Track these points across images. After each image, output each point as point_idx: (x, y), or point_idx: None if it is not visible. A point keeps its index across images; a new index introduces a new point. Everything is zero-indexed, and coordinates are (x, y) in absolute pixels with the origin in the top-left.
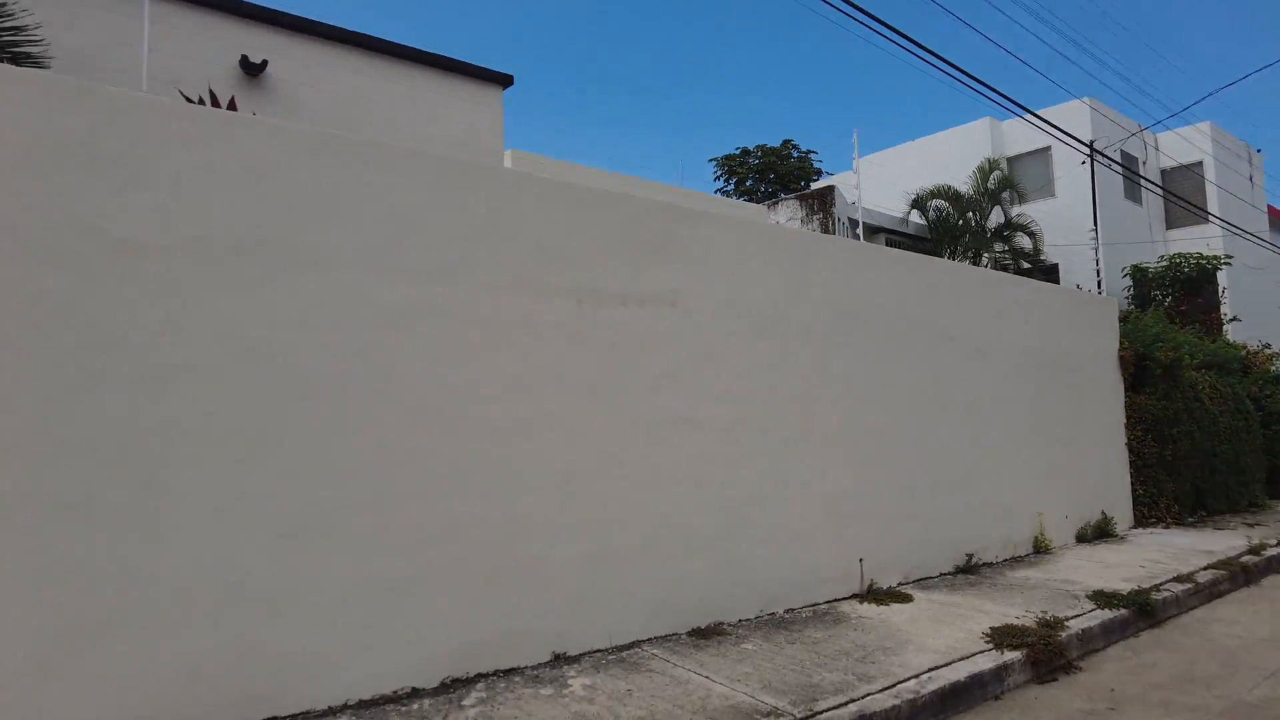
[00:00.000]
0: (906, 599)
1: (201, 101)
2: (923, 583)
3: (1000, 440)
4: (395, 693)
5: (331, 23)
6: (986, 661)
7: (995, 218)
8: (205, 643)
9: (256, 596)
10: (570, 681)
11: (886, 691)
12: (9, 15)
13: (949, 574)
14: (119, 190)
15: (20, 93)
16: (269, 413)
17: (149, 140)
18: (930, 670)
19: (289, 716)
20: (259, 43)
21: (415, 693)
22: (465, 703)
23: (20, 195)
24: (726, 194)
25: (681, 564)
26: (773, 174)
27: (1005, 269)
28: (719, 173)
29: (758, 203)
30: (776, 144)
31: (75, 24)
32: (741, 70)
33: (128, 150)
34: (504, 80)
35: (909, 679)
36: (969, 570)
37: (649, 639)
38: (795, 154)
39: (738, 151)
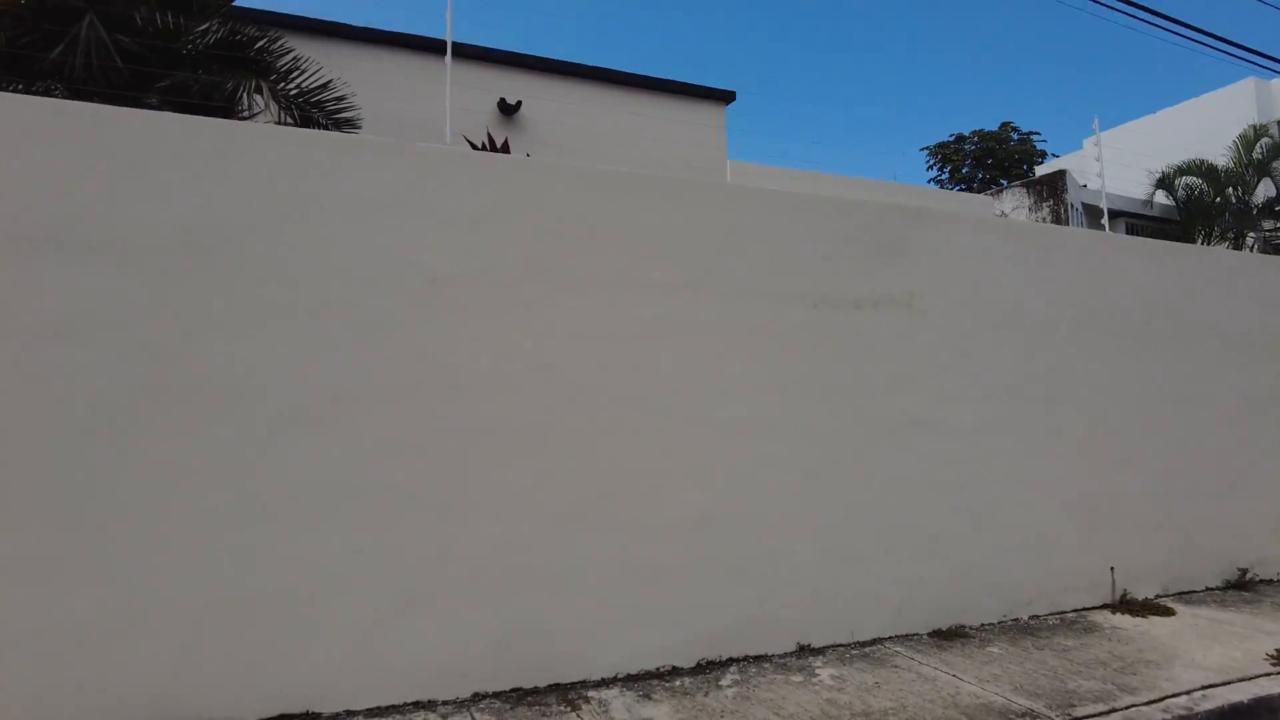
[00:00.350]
0: (1167, 612)
1: (483, 146)
2: (1185, 596)
3: (1278, 444)
4: (658, 669)
5: (569, 60)
6: (1275, 686)
7: (1263, 191)
8: (501, 614)
9: (539, 575)
10: (818, 671)
11: (1154, 705)
12: (333, 89)
13: (1217, 589)
14: (431, 230)
15: (350, 155)
16: (546, 414)
17: (451, 185)
18: (1204, 688)
19: (570, 684)
20: (511, 86)
21: (675, 671)
22: (722, 683)
23: (354, 238)
24: (940, 184)
25: (921, 565)
26: (990, 159)
27: (1278, 250)
28: (932, 162)
29: (975, 191)
30: (993, 128)
31: (373, 88)
32: (953, 55)
33: (436, 197)
34: (726, 97)
35: (1179, 694)
36: (1242, 586)
37: (890, 637)
38: (1015, 136)
39: (951, 139)
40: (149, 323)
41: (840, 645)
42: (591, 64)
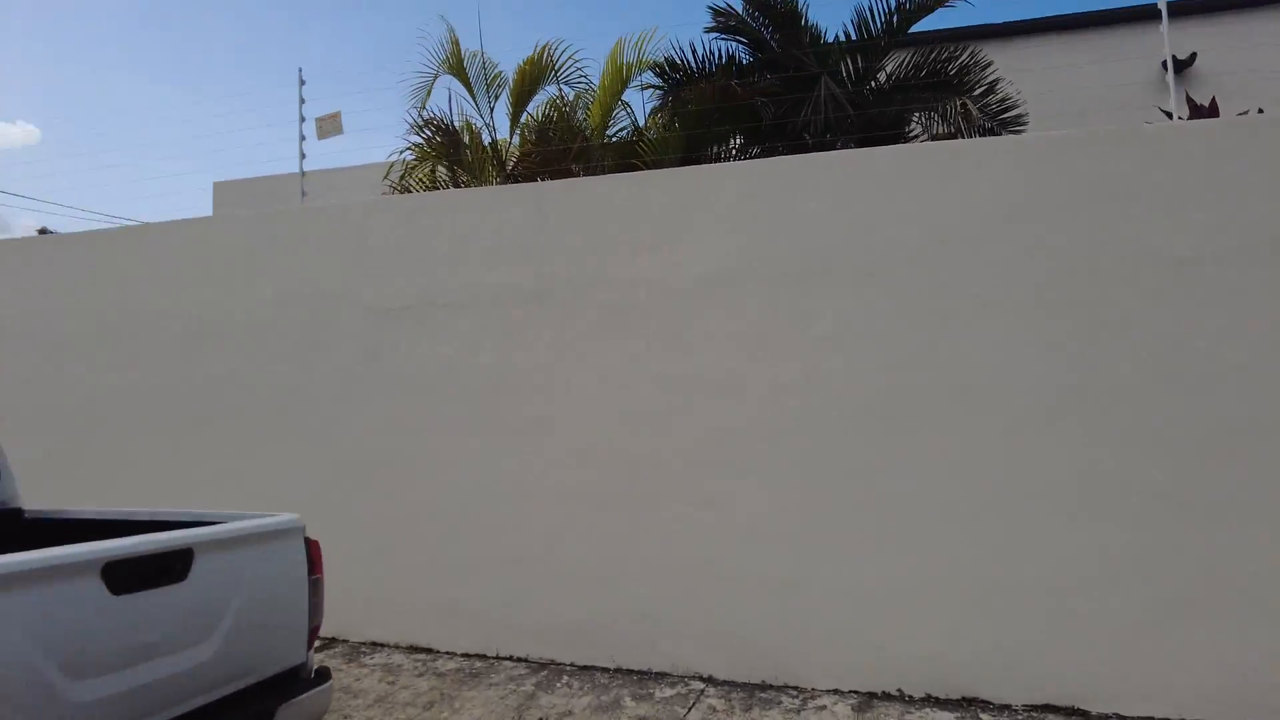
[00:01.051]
0: None
1: (1195, 111)
2: None
3: None
4: None
5: None
6: None
7: None
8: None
9: None
10: None
11: None
12: (997, 91)
13: None
14: (1170, 214)
15: (1067, 152)
16: None
17: (1189, 163)
18: None
19: None
20: (1173, 40)
21: None
22: None
23: (1085, 228)
24: None
25: None
26: None
27: None
28: None
29: None
30: None
31: (1024, 79)
32: None
33: (1171, 178)
34: None
35: None
36: None
37: None
38: None
39: None
40: (894, 333)
41: None
42: None
